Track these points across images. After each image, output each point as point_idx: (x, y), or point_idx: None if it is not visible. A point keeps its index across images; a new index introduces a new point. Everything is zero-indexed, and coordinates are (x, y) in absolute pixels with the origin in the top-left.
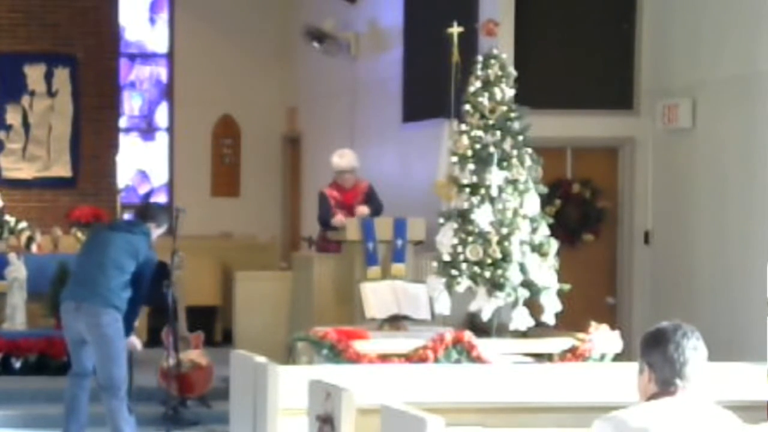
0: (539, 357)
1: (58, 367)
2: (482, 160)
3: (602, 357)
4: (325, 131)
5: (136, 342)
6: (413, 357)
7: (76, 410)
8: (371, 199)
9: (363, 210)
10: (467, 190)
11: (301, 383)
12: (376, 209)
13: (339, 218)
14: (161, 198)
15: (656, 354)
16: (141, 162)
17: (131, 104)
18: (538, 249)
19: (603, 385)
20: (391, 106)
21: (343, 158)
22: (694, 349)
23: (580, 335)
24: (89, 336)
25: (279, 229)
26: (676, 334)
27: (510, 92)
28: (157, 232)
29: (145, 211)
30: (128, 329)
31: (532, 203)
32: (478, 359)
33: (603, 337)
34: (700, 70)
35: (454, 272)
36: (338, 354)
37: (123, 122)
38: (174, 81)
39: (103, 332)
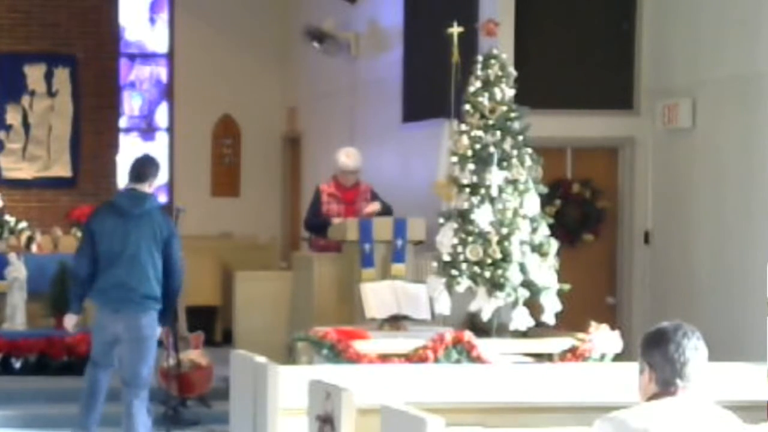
0: (539, 357)
1: (58, 367)
2: (482, 160)
3: (602, 357)
4: (325, 131)
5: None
6: (413, 357)
7: (97, 392)
8: (377, 200)
9: (375, 206)
10: (467, 190)
11: (301, 383)
12: (388, 209)
13: (336, 221)
14: (161, 198)
15: (657, 354)
16: None
17: (131, 104)
18: (538, 249)
19: (603, 385)
20: (391, 106)
21: (350, 158)
22: (694, 349)
23: (580, 335)
24: (126, 335)
25: (279, 229)
26: (676, 334)
27: (510, 92)
28: (155, 184)
29: (142, 169)
30: (167, 319)
31: (532, 203)
32: (478, 359)
33: (603, 337)
34: (700, 70)
35: (454, 272)
36: (338, 354)
37: (123, 122)
38: (174, 81)
39: (142, 334)
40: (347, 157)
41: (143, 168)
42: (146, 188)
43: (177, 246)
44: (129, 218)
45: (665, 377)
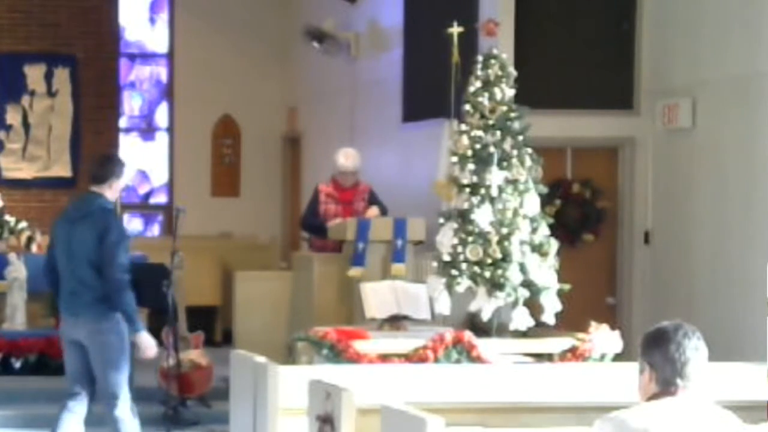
0: (539, 357)
1: (58, 367)
2: (482, 160)
3: (602, 357)
4: (325, 131)
5: (146, 343)
6: (413, 357)
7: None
8: (376, 202)
9: (374, 212)
10: (467, 190)
11: (301, 383)
12: (383, 211)
13: (337, 221)
14: (161, 198)
15: (657, 354)
16: (141, 162)
17: (131, 104)
18: (538, 249)
19: (603, 385)
20: (391, 106)
21: (348, 159)
22: (695, 349)
23: (580, 335)
24: (88, 341)
25: (279, 229)
26: (677, 334)
27: (510, 92)
28: (119, 184)
29: (99, 170)
30: (134, 324)
31: (532, 203)
32: (478, 359)
33: (603, 337)
34: (700, 70)
35: (454, 272)
36: (338, 354)
37: (123, 122)
38: (174, 81)
39: (103, 338)
40: (345, 158)
41: (100, 169)
42: (105, 190)
43: (111, 243)
44: (73, 223)
45: (665, 377)
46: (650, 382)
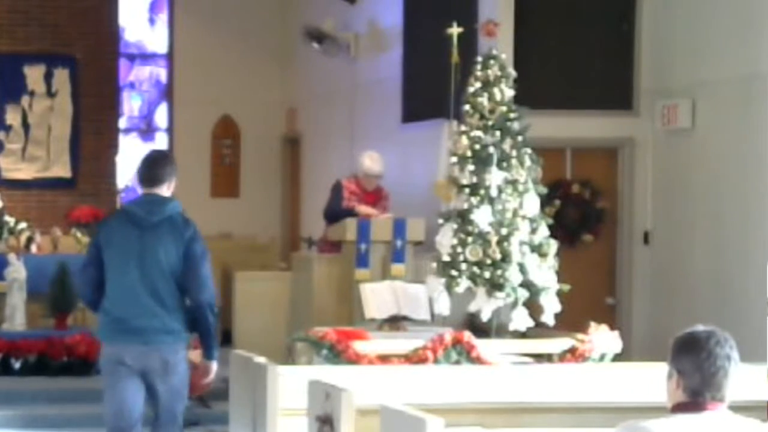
0: (539, 357)
1: (58, 368)
2: (482, 161)
3: (602, 357)
4: (325, 131)
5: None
6: (413, 357)
7: None
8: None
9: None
10: (467, 190)
11: (300, 383)
12: None
13: (364, 208)
14: None
15: (687, 361)
16: None
17: (131, 105)
18: (537, 249)
19: (603, 385)
20: (391, 106)
21: (375, 162)
22: (727, 358)
23: (580, 335)
24: (161, 375)
25: (279, 229)
26: (709, 342)
27: (509, 92)
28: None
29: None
30: (207, 350)
31: (531, 203)
32: (477, 360)
33: (603, 337)
34: (700, 70)
35: (453, 273)
36: (338, 354)
37: (123, 123)
38: (174, 81)
39: (180, 369)
40: (372, 161)
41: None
42: (165, 191)
43: (199, 255)
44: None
45: (693, 387)
46: (677, 389)
